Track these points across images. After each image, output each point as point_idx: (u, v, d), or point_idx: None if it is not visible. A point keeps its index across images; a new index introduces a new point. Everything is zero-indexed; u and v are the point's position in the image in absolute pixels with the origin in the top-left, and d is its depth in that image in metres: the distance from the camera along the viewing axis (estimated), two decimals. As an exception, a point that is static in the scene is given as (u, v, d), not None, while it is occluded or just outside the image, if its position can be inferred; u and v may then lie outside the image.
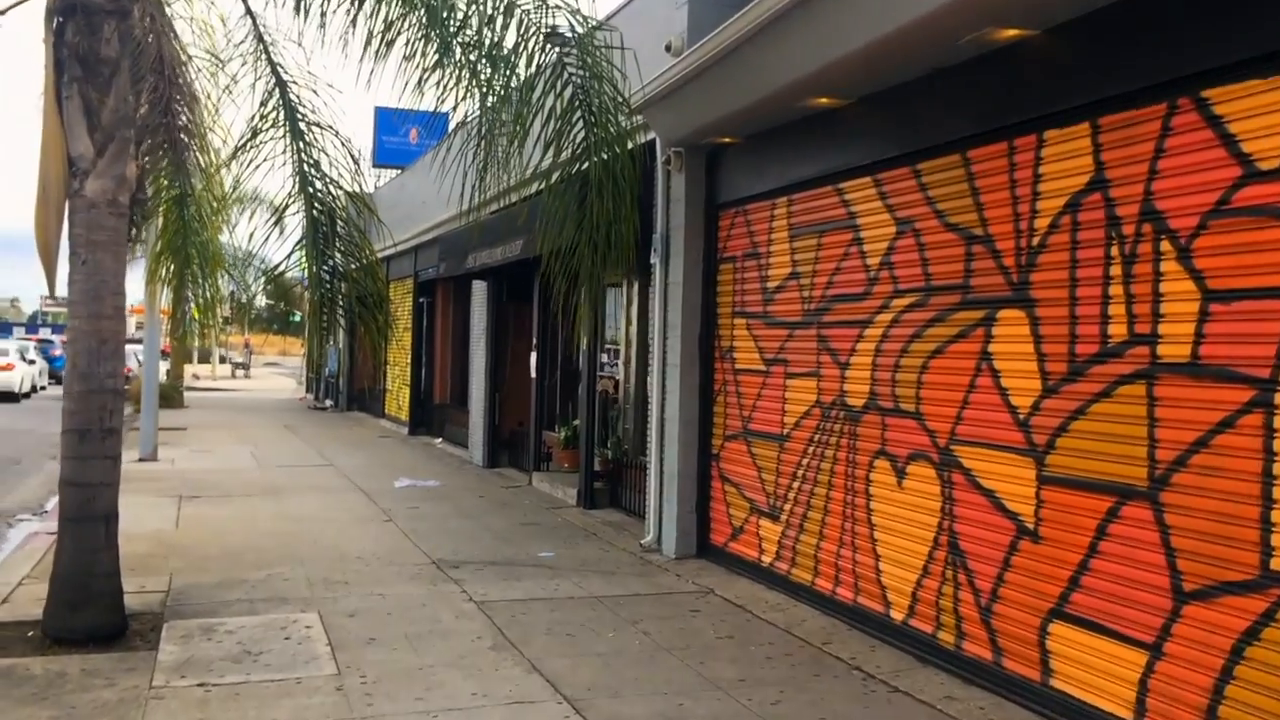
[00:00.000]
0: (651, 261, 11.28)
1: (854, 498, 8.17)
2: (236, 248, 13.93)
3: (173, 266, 11.05)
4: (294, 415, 31.09)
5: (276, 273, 10.47)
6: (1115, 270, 5.83)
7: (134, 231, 8.96)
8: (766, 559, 9.43)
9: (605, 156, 8.86)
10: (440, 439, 22.92)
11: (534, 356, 16.28)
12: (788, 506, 9.10)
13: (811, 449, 8.75)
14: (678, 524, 10.65)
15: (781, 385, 9.26)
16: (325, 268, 10.08)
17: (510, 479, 16.89)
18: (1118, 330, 5.81)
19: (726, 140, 10.16)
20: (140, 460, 18.37)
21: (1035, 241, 6.42)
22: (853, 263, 8.30)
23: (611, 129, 8.72)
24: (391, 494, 15.14)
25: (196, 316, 13.79)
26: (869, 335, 8.04)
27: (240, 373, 57.44)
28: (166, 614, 8.35)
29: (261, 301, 71.40)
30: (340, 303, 10.26)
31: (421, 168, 24.65)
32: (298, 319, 76.35)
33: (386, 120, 31.07)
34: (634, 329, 14.42)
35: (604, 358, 15.60)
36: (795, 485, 8.98)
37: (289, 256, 10.29)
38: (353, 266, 10.25)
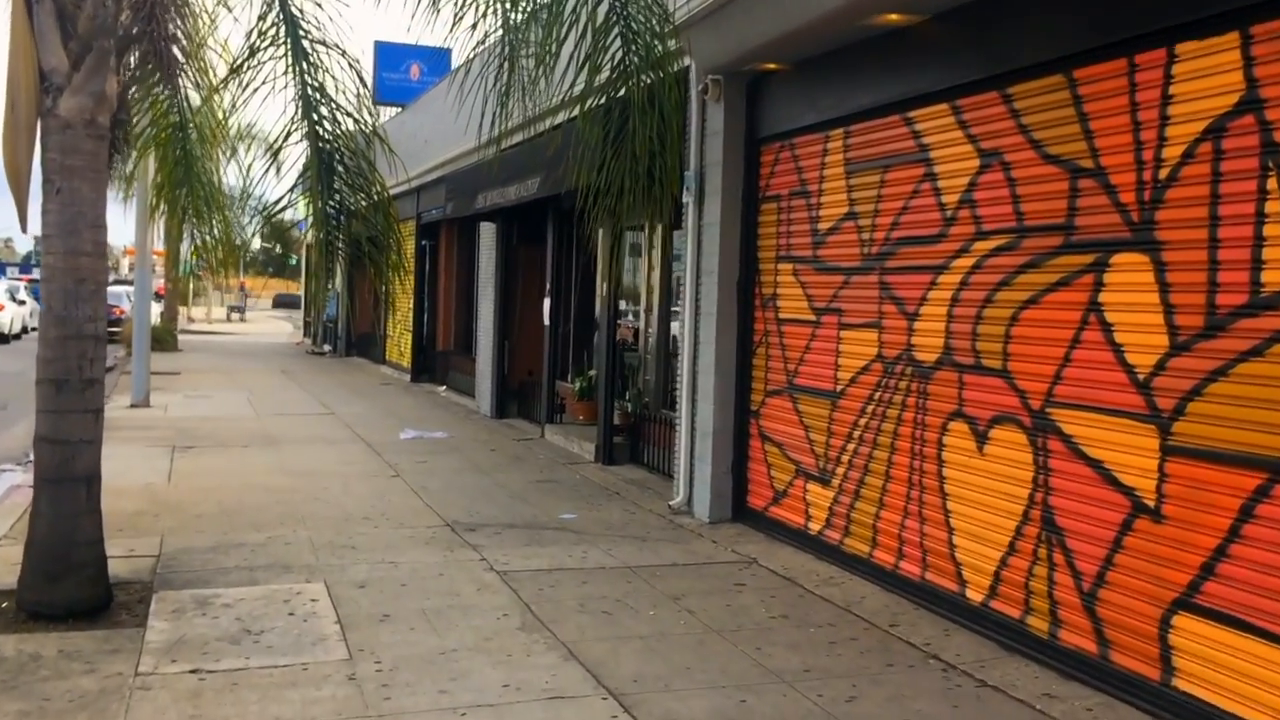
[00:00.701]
0: (684, 201, 10.37)
1: (922, 463, 7.33)
2: (231, 186, 13.01)
3: (174, 200, 10.15)
4: (291, 360, 30.23)
5: (276, 210, 9.55)
6: (1273, 206, 4.95)
7: (115, 157, 8.05)
8: (814, 526, 8.62)
9: (648, 79, 7.95)
10: (444, 387, 22.08)
11: (547, 303, 15.40)
12: (840, 470, 8.26)
13: (870, 408, 7.91)
14: (712, 486, 9.83)
15: (834, 337, 8.40)
16: (331, 203, 9.21)
17: (521, 431, 16.06)
18: (1273, 277, 4.94)
19: (771, 67, 9.22)
20: (132, 406, 17.54)
21: (1163, 174, 5.52)
22: (924, 201, 7.41)
23: (654, 49, 7.79)
24: (397, 446, 14.32)
25: (194, 257, 12.85)
26: (943, 282, 7.17)
27: (236, 316, 56.51)
28: (156, 583, 7.53)
29: (257, 245, 70.55)
30: (345, 243, 9.40)
31: (424, 104, 23.62)
32: (294, 262, 75.38)
33: (387, 56, 29.95)
34: (656, 274, 13.53)
35: (622, 304, 14.72)
36: (850, 447, 8.15)
37: (291, 190, 9.40)
38: (361, 202, 9.37)
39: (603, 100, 8.07)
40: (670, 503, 10.46)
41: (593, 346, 15.67)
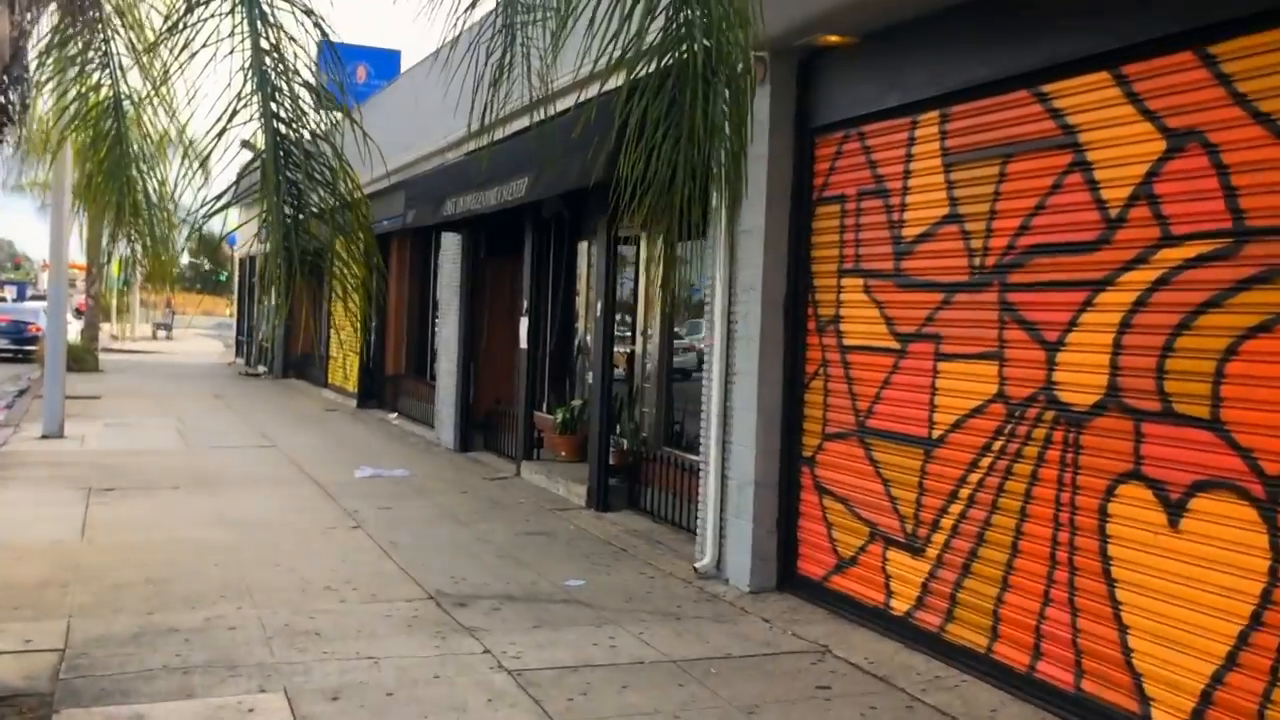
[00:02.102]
0: (714, 203, 8.66)
1: (1074, 535, 5.66)
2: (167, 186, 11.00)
3: (101, 195, 8.25)
4: (223, 382, 28.05)
5: (217, 208, 7.68)
6: None
7: (4, 129, 6.21)
8: (899, 605, 6.92)
9: (708, 43, 6.27)
10: (395, 414, 20.14)
11: (524, 323, 13.60)
12: (940, 537, 6.58)
13: (987, 460, 6.24)
14: (753, 547, 8.10)
15: (929, 370, 6.72)
16: (288, 199, 7.41)
17: (492, 468, 14.21)
18: None
19: (833, 40, 7.57)
20: (43, 437, 15.42)
21: None
22: (1072, 197, 5.76)
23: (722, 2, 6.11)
24: (353, 487, 12.41)
25: (120, 270, 10.92)
26: (1106, 302, 5.52)
27: (162, 334, 53.79)
28: (59, 695, 5.65)
29: (186, 259, 67.75)
30: (306, 250, 7.60)
31: (374, 106, 21.70)
32: (224, 278, 72.51)
33: (331, 58, 27.89)
34: (655, 289, 11.80)
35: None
36: (955, 509, 6.46)
37: (236, 184, 7.58)
38: (326, 200, 7.61)
39: (652, 67, 6.35)
40: (696, 565, 8.71)
41: (574, 373, 13.90)
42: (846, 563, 7.46)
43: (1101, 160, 5.60)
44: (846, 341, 7.56)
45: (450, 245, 16.25)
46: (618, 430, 11.66)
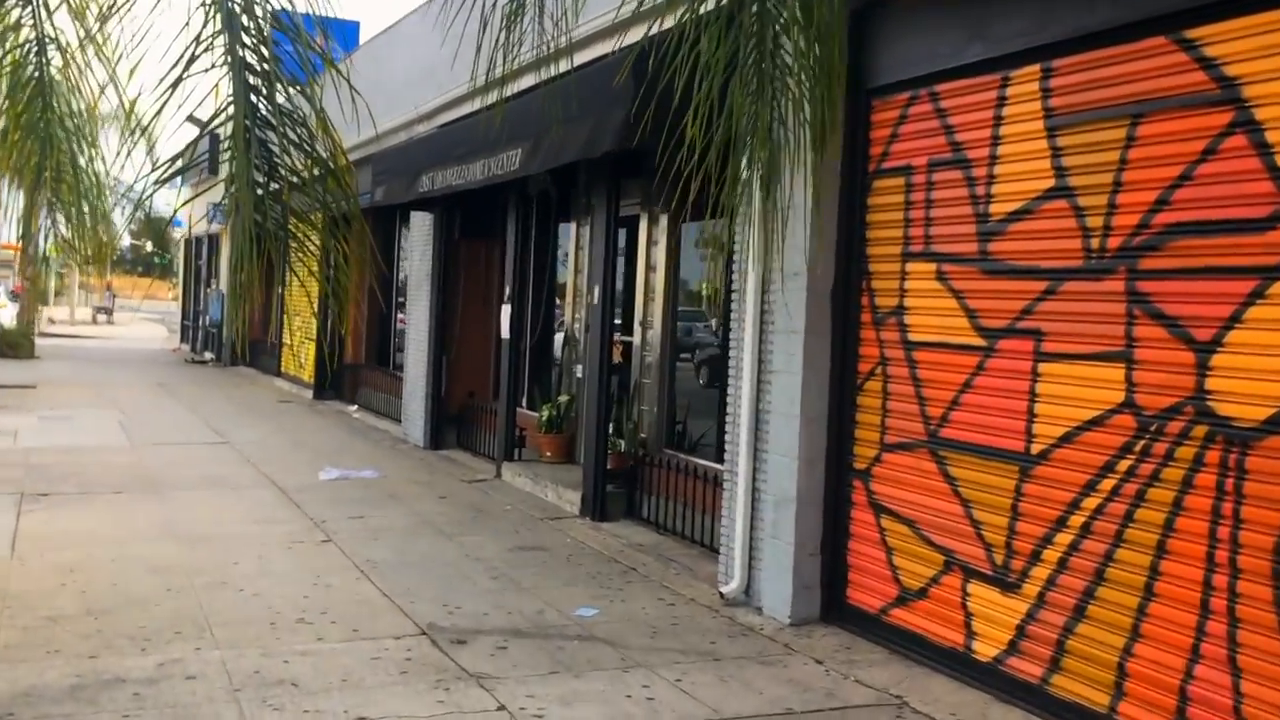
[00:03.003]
0: (744, 168, 7.59)
1: (1234, 580, 4.64)
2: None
3: (21, 155, 7.00)
4: (169, 370, 26.59)
5: (168, 175, 6.46)
6: None
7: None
8: (985, 650, 5.87)
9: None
10: (356, 406, 18.90)
11: (506, 311, 12.44)
12: (1042, 571, 5.54)
13: (1109, 482, 5.20)
14: (794, 573, 7.03)
15: (1028, 372, 5.68)
16: (259, 162, 6.28)
17: (469, 468, 13.04)
18: None
19: (896, -16, 6.51)
20: (-29, 434, 14.08)
21: None
22: (1233, 164, 4.74)
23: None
24: (319, 491, 11.21)
25: (57, 253, 9.74)
26: (1281, 294, 4.50)
27: (103, 318, 51.85)
28: (-27, 779, 4.48)
29: (126, 242, 65.62)
30: (279, 224, 6.50)
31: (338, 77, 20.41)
32: (167, 261, 70.26)
33: (289, 24, 26.46)
34: (659, 277, 10.70)
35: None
36: (1062, 539, 5.43)
37: (195, 143, 6.43)
38: (308, 168, 6.51)
39: (710, 5, 5.25)
40: (722, 590, 7.63)
41: (561, 366, 12.76)
42: (912, 595, 6.40)
43: (1274, 120, 4.57)
44: (912, 336, 6.50)
45: (420, 226, 15.03)
46: (610, 430, 10.55)
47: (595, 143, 8.20)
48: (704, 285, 10.80)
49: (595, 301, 10.29)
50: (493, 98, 10.97)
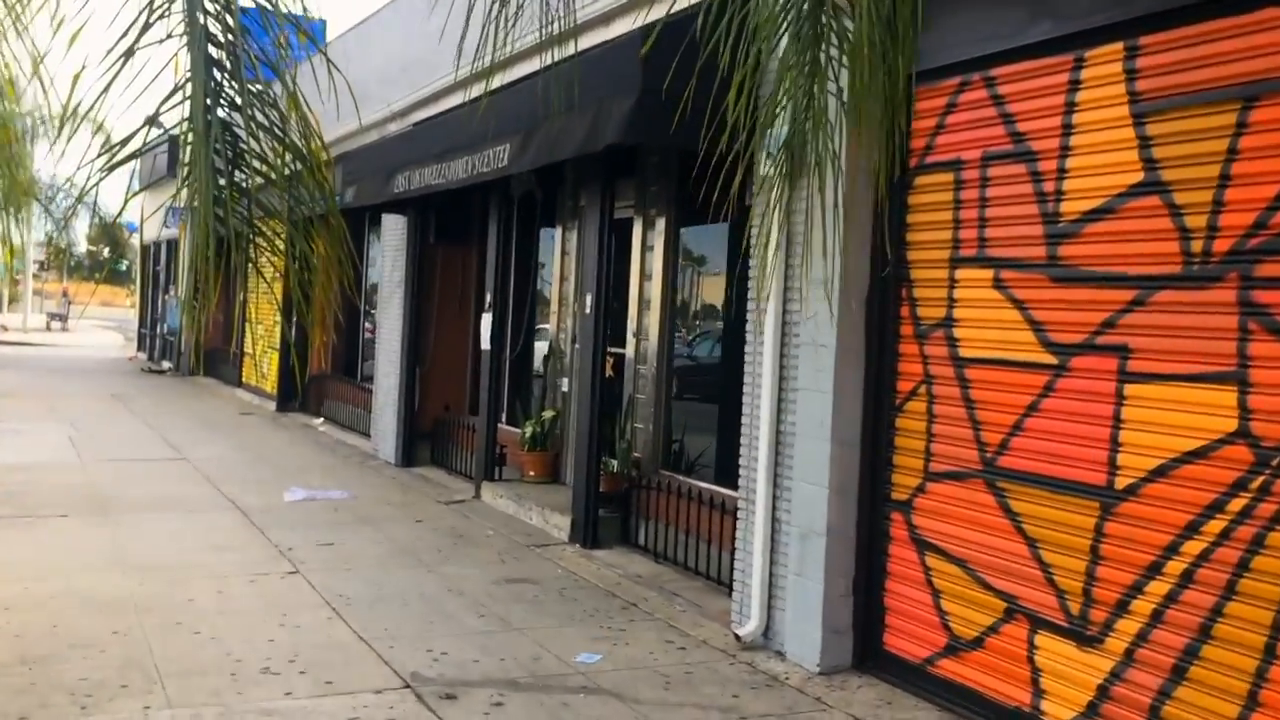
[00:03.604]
0: (763, 164, 6.86)
1: (1386, 643, 3.93)
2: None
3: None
4: (124, 380, 25.51)
5: (118, 158, 5.62)
6: None
7: None
8: (1058, 711, 5.13)
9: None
10: (322, 420, 17.99)
11: (487, 320, 11.63)
12: (1130, 625, 4.81)
13: (1217, 524, 4.48)
14: (823, 615, 6.27)
15: (1110, 394, 4.96)
16: (221, 143, 5.51)
17: (445, 487, 12.20)
18: None
19: (943, -42, 5.78)
20: (-94, 449, 13.10)
21: None
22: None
23: None
24: (284, 514, 10.34)
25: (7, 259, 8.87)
26: None
27: (57, 325, 50.46)
28: None
29: (82, 248, 64.17)
30: (240, 219, 5.71)
31: (305, 74, 19.53)
32: (124, 268, 68.72)
33: (247, 24, 25.52)
34: (655, 286, 9.93)
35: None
36: (1159, 588, 4.70)
37: (152, 121, 5.59)
38: (279, 155, 5.74)
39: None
40: (737, 632, 6.86)
41: (545, 379, 11.96)
42: (965, 644, 5.66)
43: None
44: (964, 352, 5.77)
45: (392, 229, 14.19)
46: (614, 451, 9.78)
47: (596, 136, 7.42)
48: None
49: (588, 311, 9.50)
50: (478, 90, 10.17)
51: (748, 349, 7.14)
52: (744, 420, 7.10)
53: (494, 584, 8.11)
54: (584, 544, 9.34)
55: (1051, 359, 5.25)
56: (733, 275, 9.49)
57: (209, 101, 5.44)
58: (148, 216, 20.63)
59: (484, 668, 6.20)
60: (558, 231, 11.79)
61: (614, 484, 9.62)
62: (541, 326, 12.73)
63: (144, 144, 5.41)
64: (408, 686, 5.84)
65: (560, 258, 11.71)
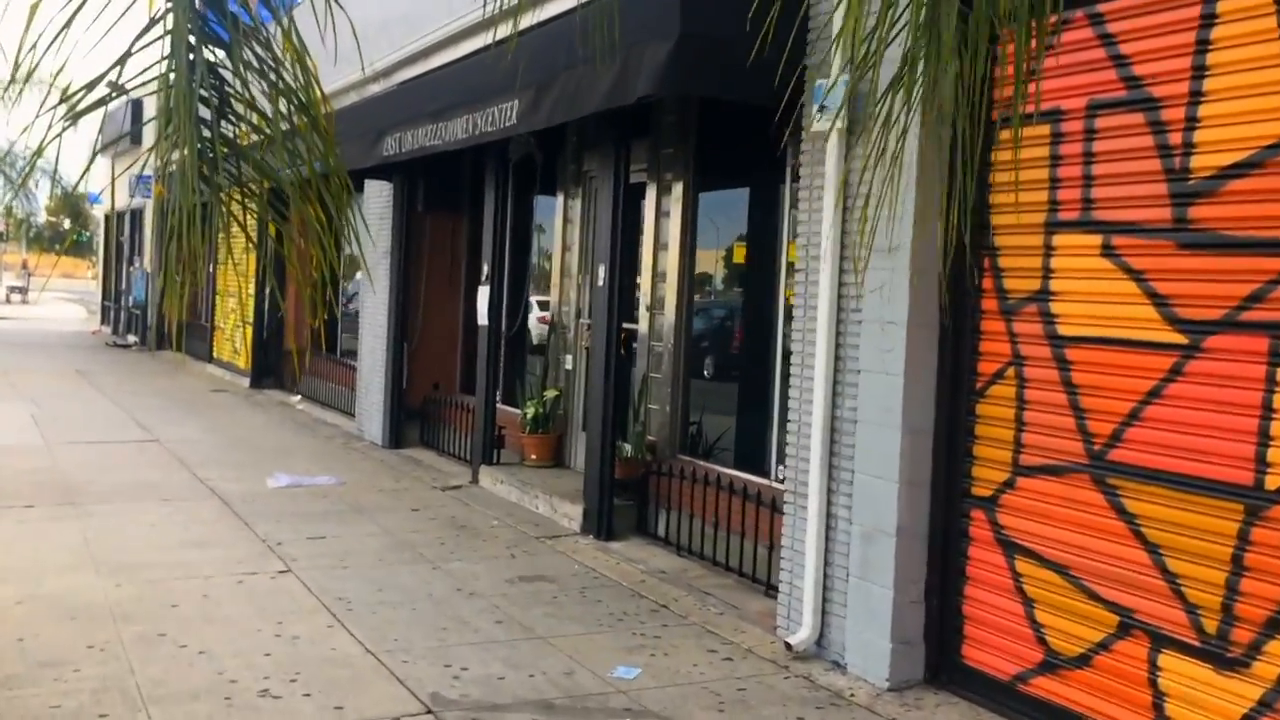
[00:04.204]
0: (814, 119, 6.16)
1: None
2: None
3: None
4: (89, 355, 24.54)
5: (85, 101, 4.81)
6: None
7: None
8: (1190, 744, 4.47)
9: None
10: (299, 397, 17.17)
11: (484, 294, 10.86)
12: (1282, 646, 4.15)
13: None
14: (892, 623, 5.60)
15: (1258, 379, 4.28)
16: (206, 87, 4.77)
17: (439, 471, 11.44)
18: None
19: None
20: None
21: None
22: None
23: None
24: (268, 502, 9.57)
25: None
26: None
27: (17, 298, 49.12)
28: None
29: (42, 219, 62.66)
30: (229, 177, 4.99)
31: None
32: (85, 238, 67.09)
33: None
34: (671, 256, 9.19)
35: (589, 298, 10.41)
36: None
37: (125, 58, 4.78)
38: (273, 101, 5.00)
39: None
40: (789, 639, 6.16)
41: (547, 356, 11.21)
42: (1067, 661, 4.99)
43: None
44: (1064, 330, 5.07)
45: (377, 197, 13.35)
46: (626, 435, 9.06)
47: (625, 88, 6.65)
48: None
49: (600, 283, 8.76)
50: (480, 40, 9.38)
51: (795, 326, 6.42)
52: (791, 405, 6.39)
53: (507, 583, 7.39)
54: (598, 535, 8.63)
55: (1180, 338, 4.56)
56: (759, 244, 8.78)
57: (192, 37, 4.67)
58: (118, 175, 19.58)
59: (512, 686, 5.49)
60: (559, 198, 11.01)
61: (629, 470, 8.91)
62: (540, 299, 11.98)
63: (113, 88, 4.60)
64: (430, 712, 5.12)
65: (562, 226, 10.94)
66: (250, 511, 9.14)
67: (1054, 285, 5.13)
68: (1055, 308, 5.12)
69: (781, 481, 7.77)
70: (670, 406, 9.09)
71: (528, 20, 8.38)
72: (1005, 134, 5.33)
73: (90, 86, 4.62)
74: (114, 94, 4.71)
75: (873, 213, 5.68)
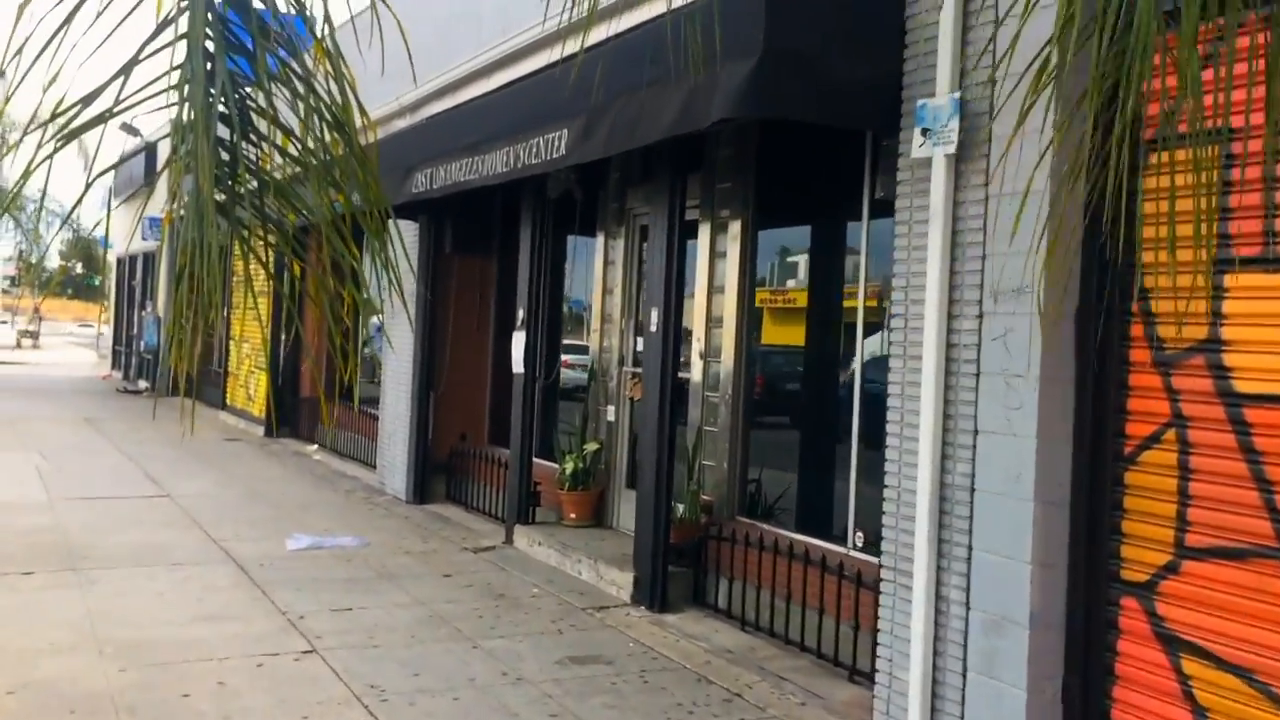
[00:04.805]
0: (916, 143, 5.42)
1: None
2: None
3: None
4: (98, 402, 23.82)
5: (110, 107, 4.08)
6: None
7: None
8: None
9: None
10: (316, 446, 16.43)
11: (519, 339, 10.10)
12: None
13: None
14: (1025, 726, 4.78)
15: None
16: (230, 101, 4.07)
17: (468, 530, 10.65)
18: None
19: None
20: None
21: None
22: None
23: None
24: (287, 567, 8.78)
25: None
26: None
27: (28, 342, 48.55)
28: None
29: (54, 263, 62.31)
30: (251, 207, 4.26)
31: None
32: (97, 283, 66.72)
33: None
34: (728, 296, 8.44)
35: (637, 344, 9.69)
36: None
37: (135, 62, 4.07)
38: (303, 120, 4.26)
39: None
40: (892, 741, 5.35)
41: (586, 406, 10.43)
42: (1250, 783, 4.16)
43: None
44: (1240, 386, 4.29)
45: (402, 236, 12.62)
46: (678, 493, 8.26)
47: (696, 111, 5.90)
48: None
49: (653, 329, 8.01)
50: (517, 71, 8.81)
51: (892, 379, 5.65)
52: (888, 469, 5.61)
53: (557, 664, 6.59)
54: (651, 606, 7.83)
55: None
56: (828, 284, 8.03)
57: (211, 43, 3.96)
58: (120, 234, 19.01)
59: (580, 803, 4.68)
60: (599, 238, 10.28)
61: (683, 534, 8.12)
62: (571, 343, 11.25)
63: (116, 102, 3.88)
64: (487, 840, 4.31)
65: (603, 268, 10.21)
66: (269, 578, 8.36)
67: (1226, 333, 4.35)
68: (1229, 359, 4.33)
69: (860, 549, 7.00)
70: (728, 463, 8.31)
71: (579, 43, 7.68)
72: (1157, 158, 4.57)
73: (88, 100, 3.90)
74: (115, 110, 3.98)
75: (994, 249, 4.96)
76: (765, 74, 5.43)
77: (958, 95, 5.24)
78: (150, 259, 28.76)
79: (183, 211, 3.79)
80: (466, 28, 10.79)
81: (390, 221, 4.51)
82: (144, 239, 27.14)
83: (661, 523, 7.84)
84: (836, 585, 6.70)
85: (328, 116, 4.07)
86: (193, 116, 3.74)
